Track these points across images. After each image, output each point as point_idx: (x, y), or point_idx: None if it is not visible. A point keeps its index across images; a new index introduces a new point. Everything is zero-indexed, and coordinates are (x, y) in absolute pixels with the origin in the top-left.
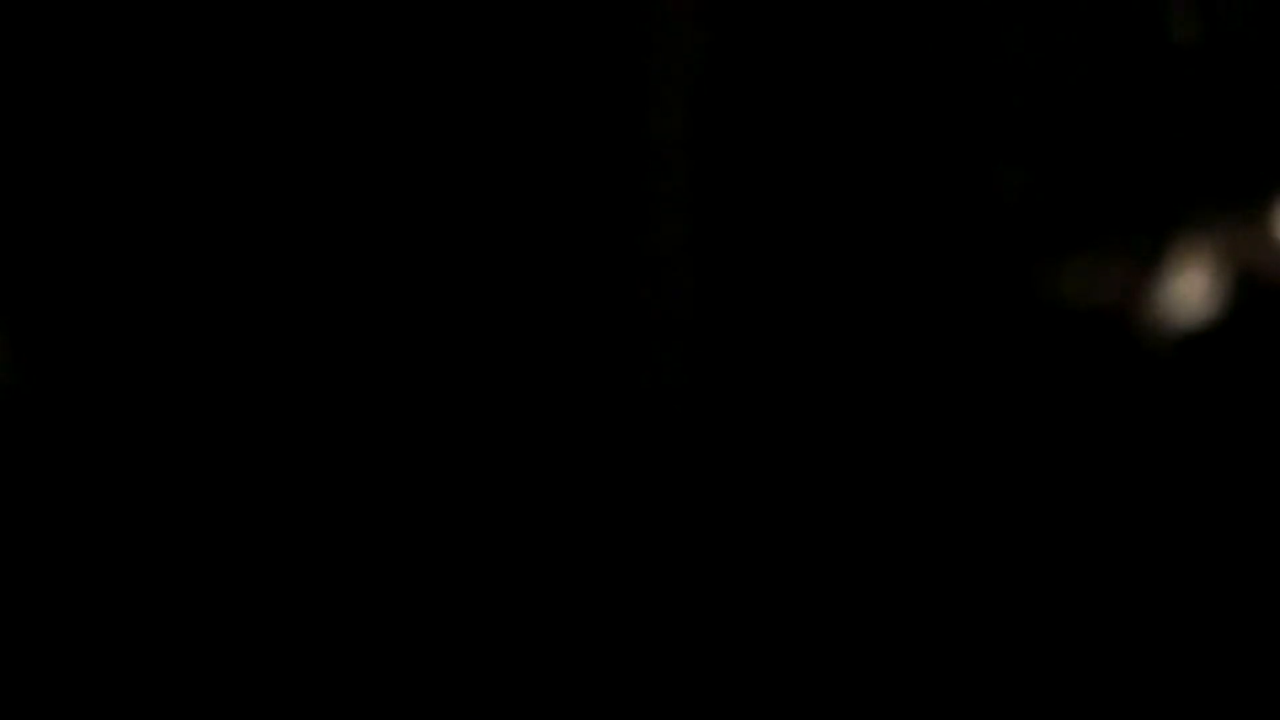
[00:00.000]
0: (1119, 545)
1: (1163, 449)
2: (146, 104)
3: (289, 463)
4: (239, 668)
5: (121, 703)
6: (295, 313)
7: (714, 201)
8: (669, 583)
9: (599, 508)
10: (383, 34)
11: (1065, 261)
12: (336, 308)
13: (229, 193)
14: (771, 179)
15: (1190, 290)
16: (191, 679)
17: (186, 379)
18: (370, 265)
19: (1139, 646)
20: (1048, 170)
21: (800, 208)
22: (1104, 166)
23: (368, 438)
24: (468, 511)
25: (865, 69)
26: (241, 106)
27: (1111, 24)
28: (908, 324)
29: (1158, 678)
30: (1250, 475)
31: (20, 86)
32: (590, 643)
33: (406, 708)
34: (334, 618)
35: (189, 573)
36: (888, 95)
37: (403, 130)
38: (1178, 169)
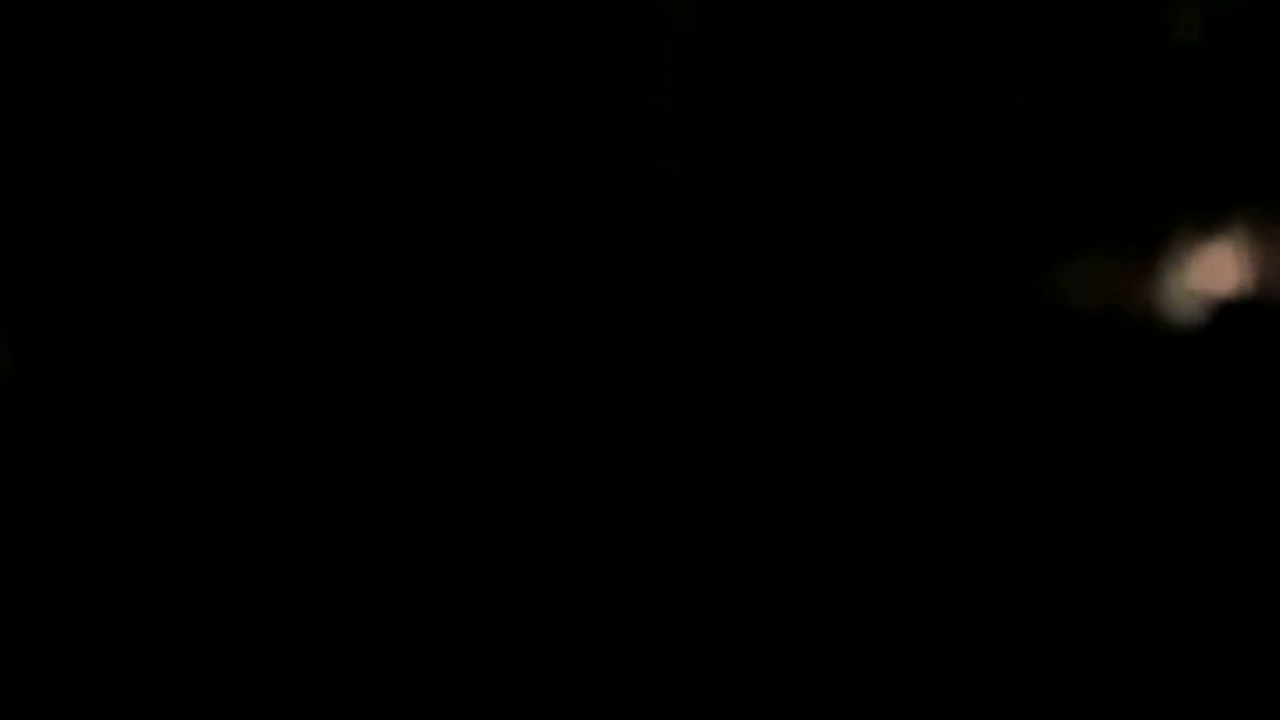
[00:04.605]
0: (1115, 539)
1: (1162, 444)
2: (146, 104)
3: (286, 440)
4: (237, 664)
5: (120, 697)
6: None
7: (714, 201)
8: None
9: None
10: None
11: (1065, 261)
12: (332, 254)
13: (227, 193)
14: (772, 180)
15: (1190, 290)
16: (190, 674)
17: (187, 375)
18: (368, 232)
19: (1141, 635)
20: (1048, 170)
21: (802, 208)
22: (1104, 166)
23: (367, 397)
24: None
25: (867, 70)
26: (240, 107)
27: (1112, 25)
28: (908, 321)
29: (1162, 664)
30: (1248, 470)
31: (20, 87)
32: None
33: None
34: (331, 601)
35: (188, 567)
36: (889, 95)
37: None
38: (1177, 169)
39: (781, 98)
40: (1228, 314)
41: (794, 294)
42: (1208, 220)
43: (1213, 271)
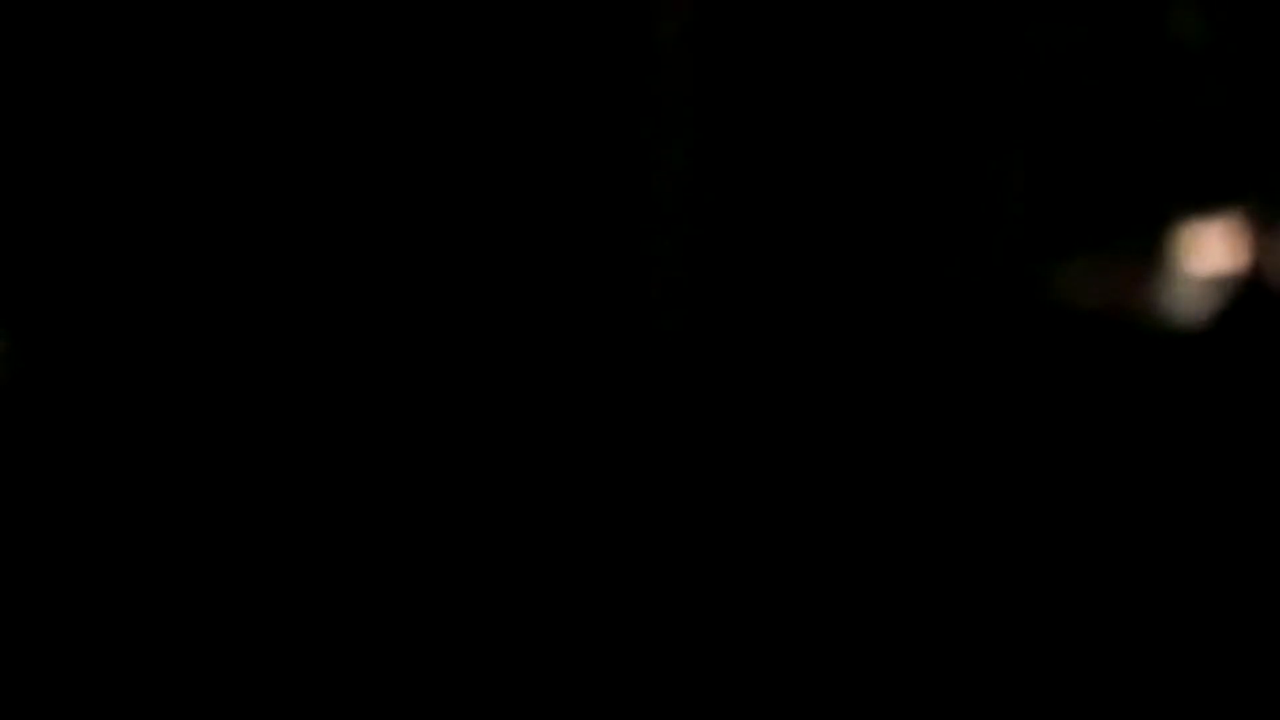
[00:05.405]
0: (1116, 538)
1: (1163, 444)
2: (146, 104)
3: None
4: (235, 662)
5: (118, 694)
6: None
7: (717, 202)
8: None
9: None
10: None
11: (1066, 261)
12: (330, 258)
13: (228, 192)
14: (776, 184)
15: (1190, 289)
16: (187, 672)
17: (186, 374)
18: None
19: (1142, 635)
20: (1050, 171)
21: (804, 211)
22: (1106, 167)
23: (366, 401)
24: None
25: (869, 73)
26: (241, 107)
27: (1113, 26)
28: (911, 321)
29: (1162, 662)
30: (1248, 469)
31: (20, 87)
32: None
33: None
34: (330, 601)
35: (187, 565)
36: (892, 97)
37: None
38: (1178, 169)
39: (783, 101)
40: (1229, 311)
41: (796, 292)
42: (1209, 218)
43: (1214, 269)
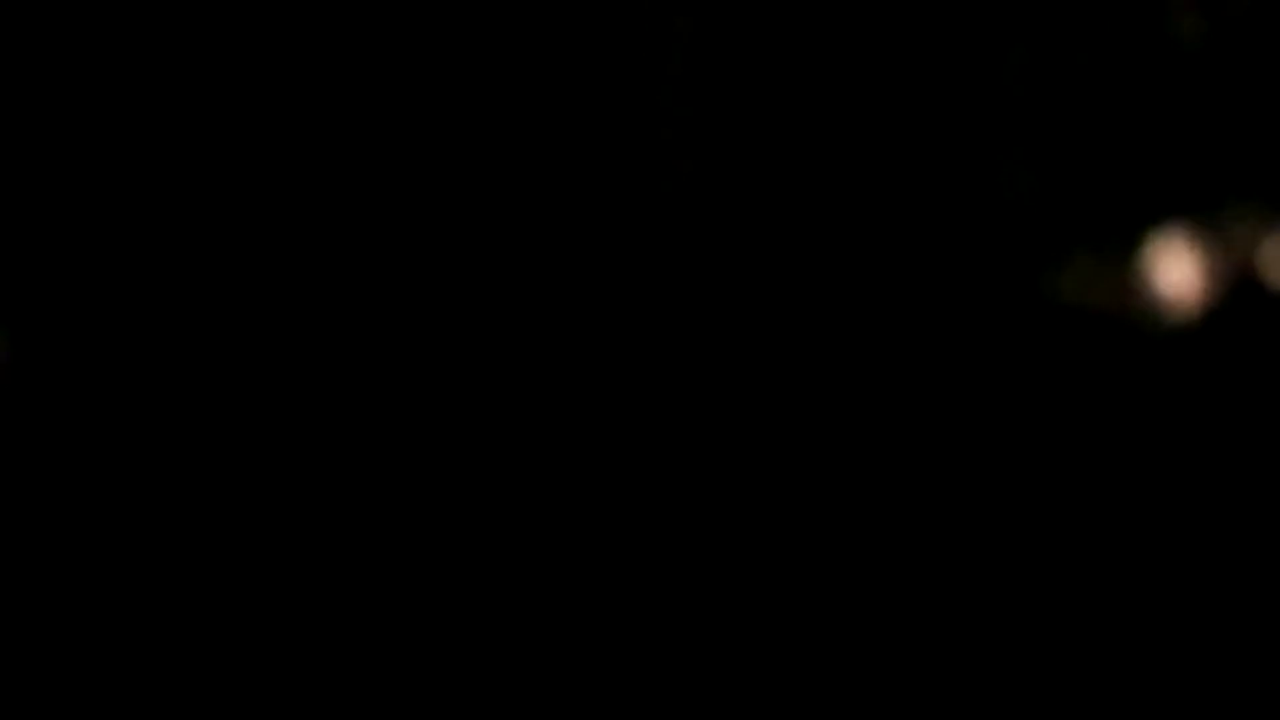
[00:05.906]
0: (1116, 536)
1: (1161, 443)
2: (146, 104)
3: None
4: (237, 663)
5: (115, 688)
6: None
7: (719, 202)
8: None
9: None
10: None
11: (1066, 260)
12: (331, 231)
13: (227, 190)
14: (775, 184)
15: (1188, 289)
16: (189, 673)
17: (186, 371)
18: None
19: (1142, 634)
20: (1050, 171)
21: (803, 210)
22: (1105, 167)
23: (364, 379)
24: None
25: (870, 70)
26: (242, 106)
27: (1112, 26)
28: (913, 320)
29: (1159, 663)
30: (1246, 467)
31: (20, 86)
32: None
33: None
34: (331, 600)
35: (186, 562)
36: (892, 96)
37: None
38: (1177, 169)
39: (782, 100)
40: (1227, 312)
41: (796, 290)
42: (1207, 218)
43: (1212, 269)
